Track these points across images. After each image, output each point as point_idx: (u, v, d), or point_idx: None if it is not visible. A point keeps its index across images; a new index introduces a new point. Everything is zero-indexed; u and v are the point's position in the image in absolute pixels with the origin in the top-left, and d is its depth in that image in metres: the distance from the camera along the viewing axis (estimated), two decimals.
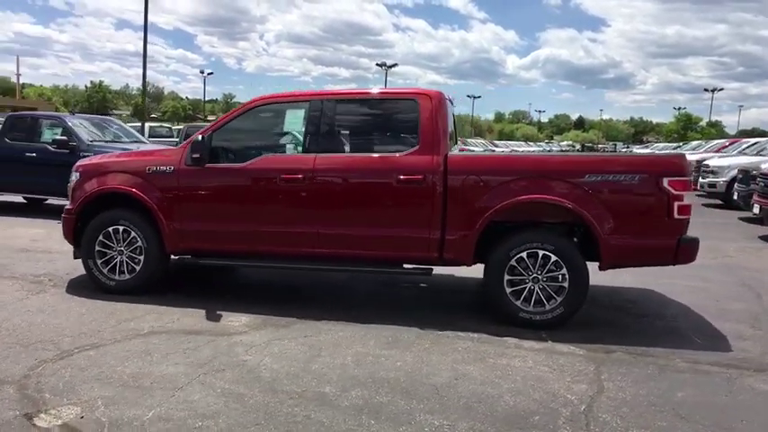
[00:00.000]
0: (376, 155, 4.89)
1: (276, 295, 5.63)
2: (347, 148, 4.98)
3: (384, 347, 4.10)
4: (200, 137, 4.90)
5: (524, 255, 4.58)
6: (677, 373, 3.80)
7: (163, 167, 5.08)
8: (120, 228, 5.18)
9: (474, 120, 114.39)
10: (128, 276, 5.21)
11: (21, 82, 72.09)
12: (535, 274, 4.59)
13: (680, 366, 3.92)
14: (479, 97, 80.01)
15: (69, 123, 9.86)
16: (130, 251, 5.20)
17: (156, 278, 5.28)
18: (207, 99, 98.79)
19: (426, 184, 4.66)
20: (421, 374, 3.65)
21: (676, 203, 4.43)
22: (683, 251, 4.50)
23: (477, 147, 32.88)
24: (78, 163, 5.60)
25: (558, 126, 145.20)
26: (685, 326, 4.85)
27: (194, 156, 4.90)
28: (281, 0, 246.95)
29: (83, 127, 10.05)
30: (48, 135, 9.92)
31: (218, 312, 4.77)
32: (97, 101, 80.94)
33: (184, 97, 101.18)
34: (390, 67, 49.64)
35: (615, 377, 3.69)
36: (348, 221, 4.84)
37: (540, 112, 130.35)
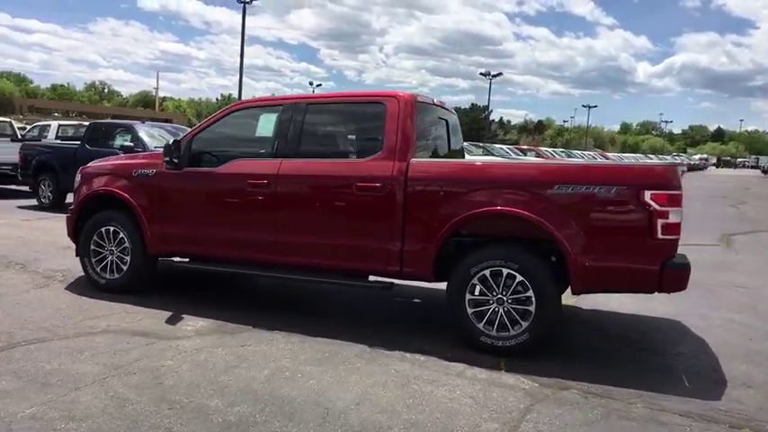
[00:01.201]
0: (338, 160, 4.68)
1: (257, 302, 5.58)
2: (315, 152, 4.80)
3: (312, 363, 3.88)
4: (171, 140, 4.99)
5: (487, 273, 4.15)
6: (624, 420, 3.21)
7: (146, 170, 5.22)
8: (111, 228, 5.39)
9: (596, 131, 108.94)
10: (116, 276, 5.41)
11: (162, 95, 79.35)
12: (500, 296, 4.14)
13: (635, 413, 3.32)
14: (595, 107, 75.12)
15: (137, 131, 10.58)
16: (119, 251, 5.39)
17: (142, 278, 5.42)
18: None
19: (386, 192, 4.37)
20: (324, 396, 3.39)
21: (660, 221, 3.80)
22: (668, 277, 3.84)
23: (580, 158, 31.03)
24: (84, 166, 5.93)
25: (693, 138, 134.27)
26: (684, 366, 4.14)
27: (166, 159, 4.99)
28: (400, 13, 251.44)
29: (151, 134, 10.74)
30: (119, 141, 10.71)
31: (182, 315, 4.80)
32: None
33: None
34: (495, 76, 48.07)
35: (543, 419, 3.20)
36: (311, 229, 4.67)
37: (666, 122, 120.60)
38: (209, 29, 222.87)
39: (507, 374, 3.81)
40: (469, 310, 4.21)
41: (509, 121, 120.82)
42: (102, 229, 5.43)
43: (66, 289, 5.54)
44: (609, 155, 43.57)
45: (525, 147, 31.58)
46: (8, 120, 14.96)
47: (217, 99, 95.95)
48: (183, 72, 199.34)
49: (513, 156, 24.37)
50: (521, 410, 3.29)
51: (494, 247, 4.21)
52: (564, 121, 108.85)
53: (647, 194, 3.81)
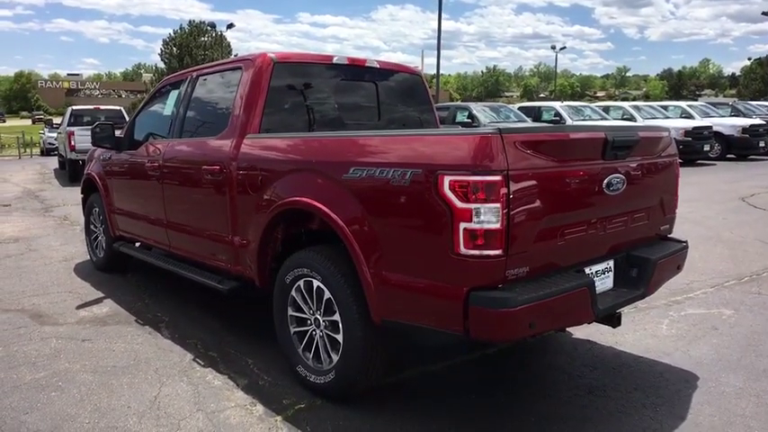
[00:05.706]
0: (200, 140, 4.03)
1: (199, 295, 4.79)
2: (193, 131, 4.21)
3: (99, 371, 3.45)
4: (95, 123, 4.95)
5: (301, 284, 3.15)
6: None
7: (106, 154, 5.30)
8: (96, 209, 5.66)
9: None
10: (101, 255, 5.67)
11: (432, 73, 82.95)
12: (316, 315, 3.12)
13: None
14: None
15: (472, 109, 13.98)
16: (103, 232, 5.62)
17: (116, 260, 5.50)
18: (601, 74, 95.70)
19: (223, 176, 3.63)
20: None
21: (462, 225, 2.33)
22: (476, 317, 2.34)
23: None
24: None
25: None
26: None
27: (92, 143, 5.00)
28: None
29: (481, 110, 14.20)
30: (459, 118, 13.77)
31: (104, 300, 4.78)
32: (490, 84, 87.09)
33: (576, 74, 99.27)
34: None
35: None
36: (186, 220, 4.18)
37: None
38: (477, 2, 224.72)
39: (276, 423, 2.84)
40: (292, 329, 3.27)
41: None
42: (93, 210, 5.73)
43: (79, 264, 5.98)
44: None
45: None
46: None
47: (482, 72, 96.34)
48: (454, 48, 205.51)
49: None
50: None
51: (304, 251, 3.17)
52: None
53: (446, 182, 2.37)
